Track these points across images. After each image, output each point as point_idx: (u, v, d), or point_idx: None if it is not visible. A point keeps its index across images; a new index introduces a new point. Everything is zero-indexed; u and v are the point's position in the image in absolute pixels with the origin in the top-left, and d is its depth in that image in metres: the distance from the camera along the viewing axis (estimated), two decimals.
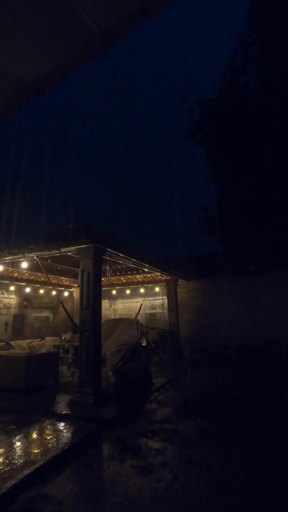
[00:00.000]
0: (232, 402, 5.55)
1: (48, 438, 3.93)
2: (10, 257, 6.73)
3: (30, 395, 5.86)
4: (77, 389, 5.45)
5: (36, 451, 3.51)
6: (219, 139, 13.63)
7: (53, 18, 1.42)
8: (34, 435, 4.03)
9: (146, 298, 11.84)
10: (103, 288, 7.01)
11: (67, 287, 12.01)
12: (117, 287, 12.15)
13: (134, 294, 12.31)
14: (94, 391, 5.22)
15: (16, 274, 9.26)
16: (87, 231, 5.60)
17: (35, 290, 10.82)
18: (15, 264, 7.57)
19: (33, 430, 4.20)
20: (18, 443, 3.78)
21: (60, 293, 11.95)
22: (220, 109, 13.37)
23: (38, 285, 10.56)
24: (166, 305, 11.40)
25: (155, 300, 12.12)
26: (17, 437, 3.96)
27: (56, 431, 4.20)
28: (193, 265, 11.97)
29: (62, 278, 10.72)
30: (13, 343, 7.82)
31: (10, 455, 3.43)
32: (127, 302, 12.65)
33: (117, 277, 11.26)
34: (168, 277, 10.66)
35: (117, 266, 10.08)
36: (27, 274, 9.51)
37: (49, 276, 9.66)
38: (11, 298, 9.96)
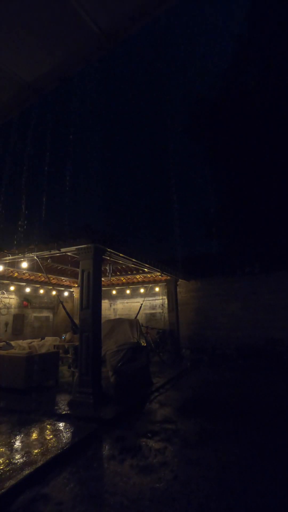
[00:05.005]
0: (232, 402, 5.55)
1: (48, 438, 3.93)
2: (10, 257, 6.73)
3: (30, 395, 5.85)
4: (77, 389, 5.45)
5: (36, 451, 3.51)
6: (218, 138, 13.64)
7: (53, 18, 1.42)
8: (34, 435, 4.03)
9: (146, 298, 11.84)
10: (103, 288, 7.00)
11: (67, 287, 12.01)
12: (117, 287, 12.15)
13: (134, 294, 12.31)
14: (94, 391, 5.22)
15: (16, 274, 9.26)
16: (87, 231, 5.60)
17: (35, 290, 10.82)
18: (15, 264, 7.57)
19: (33, 430, 4.20)
20: (18, 443, 3.78)
21: (60, 293, 11.95)
22: (218, 108, 13.38)
23: (38, 285, 10.56)
24: (166, 305, 11.40)
25: (155, 300, 12.12)
26: (17, 437, 3.96)
27: (56, 431, 4.19)
28: (193, 265, 11.98)
29: (62, 278, 10.72)
30: (13, 343, 7.82)
31: (10, 455, 3.43)
32: (127, 302, 12.65)
33: (117, 277, 11.26)
34: (168, 277, 10.66)
35: (117, 266, 10.08)
36: (27, 274, 9.51)
37: (49, 276, 9.66)
38: (11, 298, 9.96)
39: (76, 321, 7.04)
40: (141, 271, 10.33)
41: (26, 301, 10.46)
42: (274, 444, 3.76)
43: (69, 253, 6.79)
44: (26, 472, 3.03)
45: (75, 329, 7.70)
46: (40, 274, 9.51)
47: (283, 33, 11.92)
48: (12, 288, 9.83)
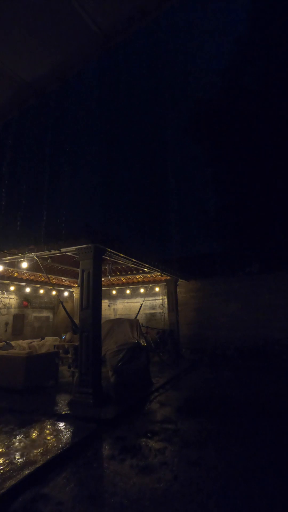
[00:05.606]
0: (232, 402, 5.55)
1: (48, 438, 3.93)
2: (10, 257, 6.73)
3: (30, 395, 5.85)
4: (77, 389, 5.45)
5: (36, 451, 3.51)
6: (218, 139, 13.64)
7: (53, 18, 1.42)
8: (34, 435, 4.03)
9: (146, 298, 11.84)
10: (103, 288, 7.00)
11: (67, 287, 12.01)
12: (117, 287, 12.15)
13: (134, 294, 12.31)
14: (94, 391, 5.22)
15: (16, 274, 9.26)
16: (87, 231, 5.60)
17: (35, 290, 10.82)
18: (15, 264, 7.57)
19: (33, 430, 4.20)
20: (18, 443, 3.78)
21: (60, 293, 11.95)
22: (218, 108, 13.38)
23: (38, 285, 10.56)
24: (166, 305, 11.40)
25: (155, 300, 12.12)
26: (17, 437, 3.96)
27: (56, 431, 4.20)
28: (193, 265, 11.97)
29: (62, 278, 10.72)
30: (13, 343, 7.82)
31: (10, 455, 3.43)
32: (127, 302, 12.65)
33: (117, 277, 11.26)
34: (168, 277, 10.66)
35: (117, 266, 10.08)
36: (27, 274, 9.51)
37: (49, 276, 9.66)
38: (11, 298, 9.96)
39: (76, 321, 7.05)
40: (141, 271, 10.33)
41: (26, 301, 10.46)
42: (274, 444, 3.76)
43: (69, 253, 6.78)
44: (26, 472, 3.03)
45: (75, 329, 7.71)
46: (40, 274, 9.51)
47: (283, 33, 11.93)
48: (12, 288, 9.83)
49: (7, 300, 9.77)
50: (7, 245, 6.53)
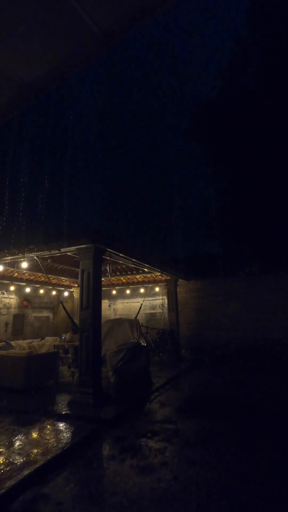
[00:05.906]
0: (232, 402, 5.55)
1: (48, 438, 3.93)
2: (10, 257, 6.73)
3: (30, 395, 5.85)
4: (77, 389, 5.45)
5: (36, 451, 3.51)
6: (218, 139, 13.64)
7: (53, 18, 1.42)
8: (34, 435, 4.03)
9: (146, 298, 11.84)
10: (103, 288, 7.00)
11: (67, 287, 12.01)
12: (117, 287, 12.15)
13: (134, 294, 12.31)
14: (94, 391, 5.22)
15: (16, 274, 9.26)
16: (87, 231, 5.60)
17: (35, 290, 10.82)
18: (15, 264, 7.57)
19: (33, 430, 4.20)
20: (18, 443, 3.78)
21: (60, 293, 11.95)
22: (218, 109, 13.38)
23: (38, 285, 10.56)
24: (166, 305, 11.40)
25: (155, 300, 12.12)
26: (17, 437, 3.96)
27: (56, 431, 4.20)
28: (193, 265, 11.97)
29: (62, 278, 10.72)
30: (13, 343, 7.82)
31: (10, 455, 3.43)
32: (127, 302, 12.65)
33: (117, 277, 11.26)
34: (168, 277, 10.66)
35: (117, 266, 10.08)
36: (27, 274, 9.51)
37: (49, 276, 9.66)
38: (11, 298, 9.96)
39: (76, 321, 7.05)
40: (141, 271, 10.33)
41: (26, 301, 10.46)
42: (274, 444, 3.76)
43: (69, 253, 6.79)
44: (26, 472, 3.03)
45: (75, 329, 7.71)
46: (40, 274, 9.51)
47: (283, 32, 11.93)
48: (12, 288, 9.83)
49: (7, 300, 9.76)
50: (7, 245, 6.53)
